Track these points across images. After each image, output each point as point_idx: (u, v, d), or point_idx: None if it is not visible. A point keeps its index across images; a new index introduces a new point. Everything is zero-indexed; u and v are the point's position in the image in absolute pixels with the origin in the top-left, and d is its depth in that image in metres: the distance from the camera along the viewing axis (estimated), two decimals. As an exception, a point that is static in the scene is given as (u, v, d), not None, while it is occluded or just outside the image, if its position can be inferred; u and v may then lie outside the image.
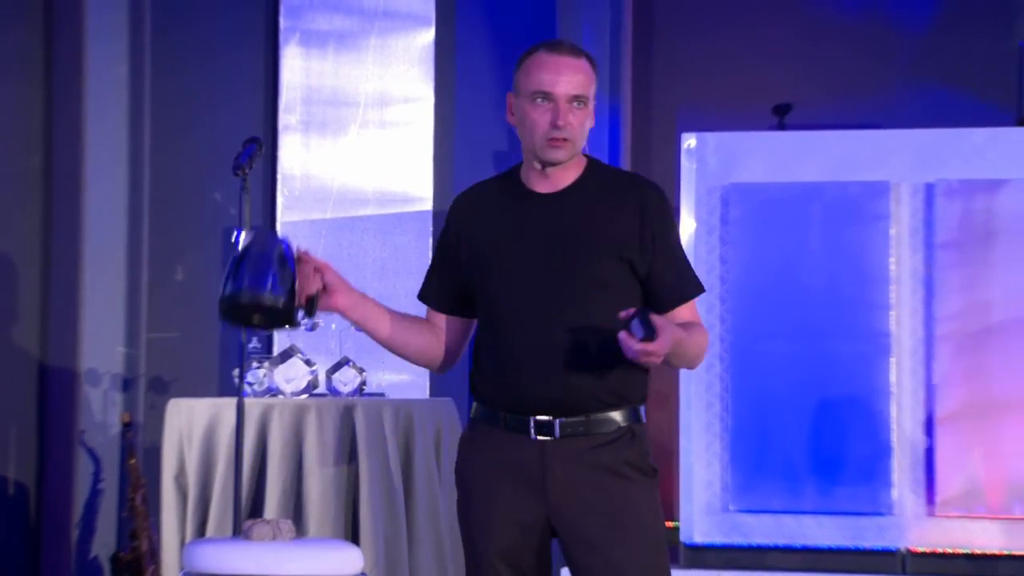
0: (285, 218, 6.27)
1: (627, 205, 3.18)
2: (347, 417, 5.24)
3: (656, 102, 6.36)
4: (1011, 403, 5.34)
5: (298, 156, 6.29)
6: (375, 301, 3.34)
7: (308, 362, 5.55)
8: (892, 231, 5.46)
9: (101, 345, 6.20)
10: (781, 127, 5.83)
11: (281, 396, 5.47)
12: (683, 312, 3.21)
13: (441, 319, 3.34)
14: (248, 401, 5.18)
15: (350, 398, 5.42)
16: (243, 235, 3.64)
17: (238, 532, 4.61)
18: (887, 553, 5.37)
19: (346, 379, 5.53)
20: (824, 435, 5.43)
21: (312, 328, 5.32)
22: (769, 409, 5.47)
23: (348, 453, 5.22)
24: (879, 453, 5.40)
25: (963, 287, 5.40)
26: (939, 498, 5.35)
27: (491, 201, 3.27)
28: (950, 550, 5.35)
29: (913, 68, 6.21)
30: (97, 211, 6.23)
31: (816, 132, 5.63)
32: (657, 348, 2.97)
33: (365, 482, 5.17)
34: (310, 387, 5.52)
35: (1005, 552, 5.32)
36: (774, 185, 5.53)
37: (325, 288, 3.29)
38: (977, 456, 5.35)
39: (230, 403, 5.19)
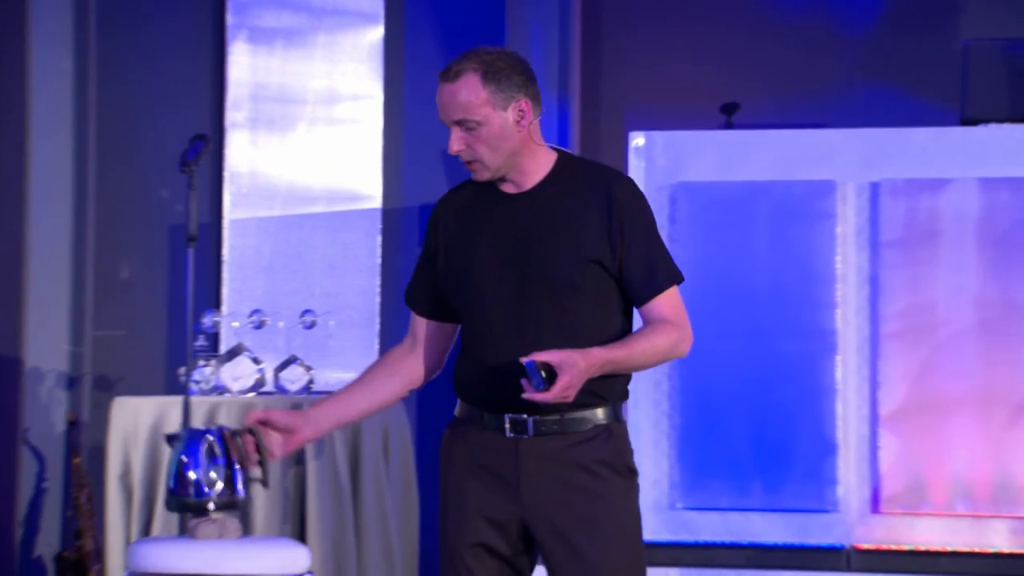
0: (232, 215, 6.24)
1: (594, 201, 3.14)
2: (294, 415, 5.22)
3: (604, 101, 6.38)
4: (955, 401, 5.38)
5: (246, 153, 6.27)
6: (335, 398, 3.30)
7: (255, 360, 5.53)
8: (838, 230, 5.50)
9: (46, 343, 6.15)
10: (728, 126, 5.85)
11: (228, 394, 5.45)
12: (659, 304, 3.16)
13: (424, 326, 3.30)
14: (195, 399, 5.16)
15: (298, 396, 5.41)
16: (178, 435, 4.05)
17: (184, 531, 4.58)
18: (833, 550, 5.40)
19: (294, 377, 5.51)
20: (770, 433, 5.46)
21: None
22: (716, 407, 5.50)
23: (295, 451, 5.20)
24: (825, 451, 5.43)
25: (908, 286, 5.44)
26: (884, 495, 5.39)
27: (465, 204, 3.24)
28: (894, 547, 5.39)
29: (859, 68, 6.26)
30: (42, 208, 6.18)
31: (763, 131, 5.66)
32: (549, 397, 2.96)
33: (313, 481, 5.16)
34: (257, 385, 5.50)
35: (948, 548, 5.37)
36: (721, 184, 5.55)
37: (289, 430, 3.25)
38: (921, 453, 5.40)
39: (176, 402, 5.16)
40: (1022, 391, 5.35)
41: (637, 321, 3.23)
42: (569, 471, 3.14)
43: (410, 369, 3.30)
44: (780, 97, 6.22)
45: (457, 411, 3.26)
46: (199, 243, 5.01)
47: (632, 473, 3.21)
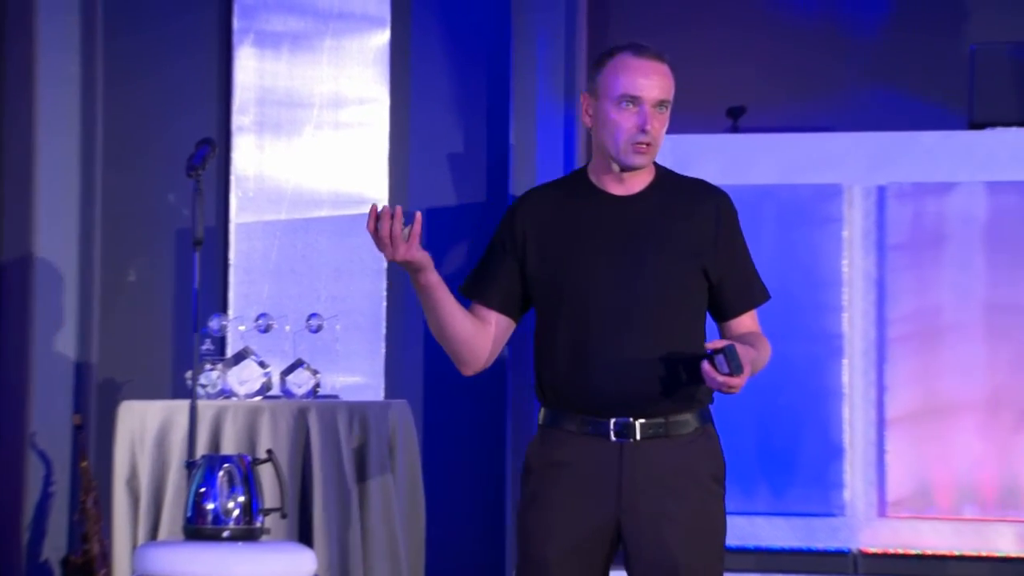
0: (239, 219, 6.25)
1: (701, 211, 3.21)
2: (301, 419, 5.22)
3: (611, 104, 6.37)
4: (962, 405, 5.38)
5: (252, 157, 6.27)
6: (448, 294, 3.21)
7: (262, 364, 5.53)
8: (844, 233, 5.49)
9: (53, 346, 6.16)
10: (735, 130, 5.85)
11: (234, 398, 5.44)
12: (748, 320, 3.25)
13: (490, 315, 3.25)
14: (201, 403, 5.16)
15: (304, 400, 5.41)
16: (196, 463, 4.22)
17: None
18: (839, 554, 5.40)
19: (300, 381, 5.51)
20: (777, 437, 5.45)
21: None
22: (722, 410, 5.48)
23: (302, 455, 5.20)
24: (831, 454, 5.43)
25: (915, 289, 5.43)
26: (890, 499, 5.39)
27: (560, 203, 3.23)
28: (901, 551, 5.38)
29: (865, 71, 6.25)
30: (49, 212, 6.19)
31: (769, 135, 5.66)
32: (739, 383, 3.03)
33: (319, 484, 5.16)
34: (264, 389, 5.50)
35: (956, 553, 5.36)
36: (727, 187, 5.51)
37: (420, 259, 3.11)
38: (928, 457, 5.39)
39: (183, 405, 5.16)
40: (1029, 395, 5.35)
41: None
42: (674, 475, 3.15)
43: (483, 337, 3.22)
44: (786, 101, 6.21)
45: (543, 419, 3.22)
46: (205, 247, 5.01)
47: (725, 476, 3.25)
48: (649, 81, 3.13)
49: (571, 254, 3.17)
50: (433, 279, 3.15)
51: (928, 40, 6.20)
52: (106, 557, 5.58)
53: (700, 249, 3.18)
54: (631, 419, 3.13)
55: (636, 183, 3.21)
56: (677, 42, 6.38)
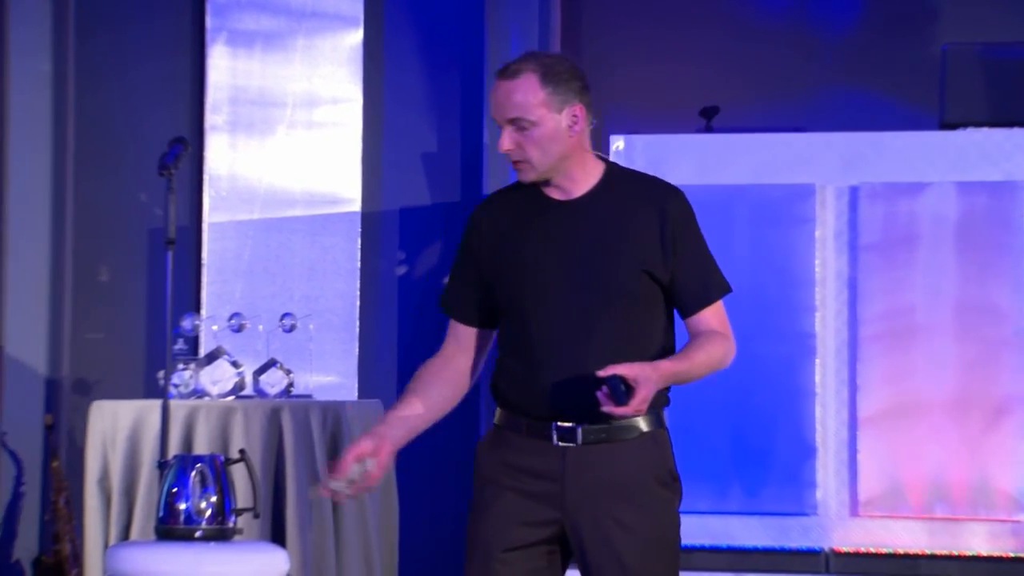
0: (212, 219, 6.23)
1: (647, 212, 3.17)
2: (274, 419, 5.21)
3: (584, 104, 6.37)
4: (933, 404, 5.40)
5: (225, 156, 6.26)
6: (401, 414, 3.21)
7: (235, 364, 5.52)
8: (817, 233, 5.51)
9: (24, 346, 6.13)
10: (708, 130, 5.86)
11: (207, 398, 5.43)
12: (706, 316, 3.21)
13: (465, 332, 3.28)
14: (173, 403, 5.14)
15: (277, 400, 5.40)
16: (168, 463, 4.19)
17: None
18: (811, 553, 5.41)
19: (273, 381, 5.50)
20: (749, 436, 5.46)
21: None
22: (695, 410, 5.50)
23: (275, 455, 5.19)
24: (804, 454, 5.44)
25: (887, 289, 5.45)
26: (862, 498, 5.40)
27: (512, 209, 3.23)
28: (873, 550, 5.40)
29: (837, 72, 6.27)
30: (21, 211, 6.17)
31: (742, 135, 5.67)
32: (629, 411, 2.99)
33: (292, 484, 5.15)
34: (237, 389, 5.49)
35: (927, 552, 5.38)
36: (701, 187, 5.54)
37: (375, 454, 3.16)
38: (900, 456, 5.41)
39: (155, 405, 5.15)
40: (1000, 394, 5.37)
41: (679, 328, 3.25)
42: (615, 480, 3.15)
43: (461, 375, 3.27)
44: (759, 101, 6.23)
45: (497, 419, 3.24)
46: (178, 246, 5.00)
47: (675, 480, 3.23)
48: (497, 102, 3.14)
49: (517, 261, 3.18)
50: (398, 442, 3.20)
51: (900, 40, 6.22)
52: (78, 557, 5.56)
53: (644, 251, 3.16)
54: (573, 424, 3.14)
55: (577, 187, 3.19)
56: (650, 41, 6.41)
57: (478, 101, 6.16)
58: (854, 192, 5.51)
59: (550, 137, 3.13)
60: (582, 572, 3.20)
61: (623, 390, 2.98)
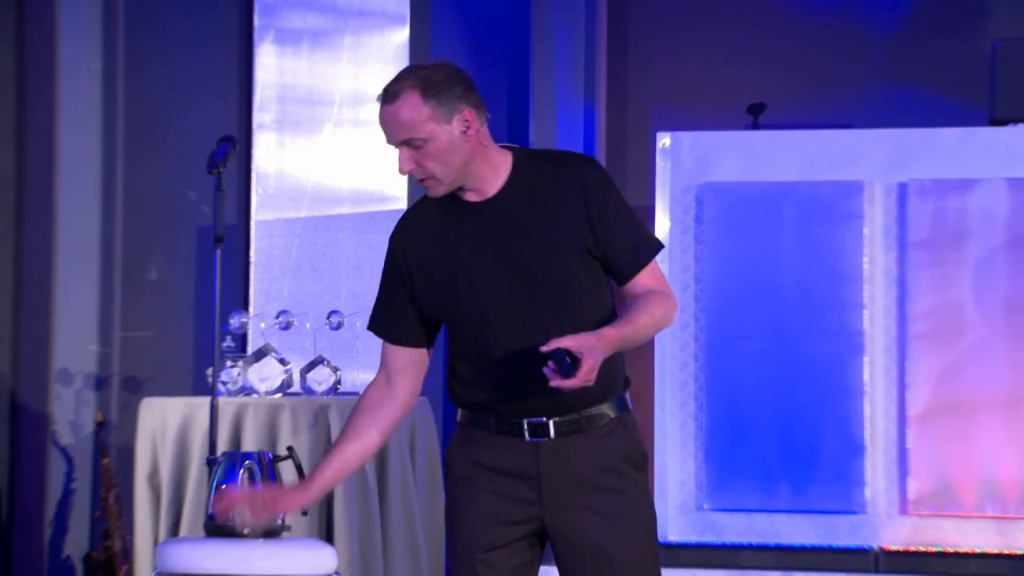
0: (259, 217, 6.26)
1: (564, 189, 3.12)
2: (321, 416, 5.23)
3: (631, 101, 6.37)
4: (983, 401, 5.36)
5: (272, 155, 6.28)
6: (330, 458, 3.24)
7: (282, 361, 5.54)
8: (865, 230, 5.48)
9: (74, 344, 6.18)
10: (755, 127, 5.84)
11: (255, 395, 5.46)
12: (642, 278, 3.16)
13: (400, 355, 3.26)
14: (222, 400, 5.17)
15: (324, 397, 5.42)
16: (218, 459, 4.25)
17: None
18: (860, 552, 5.39)
19: (320, 378, 5.52)
20: (798, 434, 5.44)
21: None
22: (743, 408, 5.49)
23: (322, 452, 5.21)
24: (852, 452, 5.42)
25: (936, 286, 5.42)
26: (912, 496, 5.37)
27: (432, 219, 3.20)
28: (923, 548, 5.37)
29: (886, 68, 6.24)
30: (70, 209, 6.21)
31: (789, 132, 5.64)
32: (577, 382, 2.95)
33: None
34: (284, 386, 5.51)
35: (977, 550, 5.34)
36: (748, 184, 5.54)
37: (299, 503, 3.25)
38: (950, 454, 5.37)
39: (203, 402, 5.17)
40: (1051, 392, 5.33)
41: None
42: (590, 470, 3.14)
43: (390, 409, 3.25)
44: (807, 97, 6.20)
45: (461, 418, 3.23)
46: (226, 244, 5.02)
47: (646, 461, 3.22)
48: (385, 127, 3.10)
49: (453, 272, 3.15)
50: (321, 485, 3.22)
51: (949, 36, 6.18)
52: (128, 553, 5.60)
53: (574, 230, 3.11)
54: (544, 418, 3.13)
55: (490, 186, 3.15)
56: (697, 39, 6.40)
57: (523, 99, 6.16)
58: (903, 189, 5.48)
59: (447, 149, 3.08)
60: (559, 563, 3.18)
61: (568, 363, 2.94)
